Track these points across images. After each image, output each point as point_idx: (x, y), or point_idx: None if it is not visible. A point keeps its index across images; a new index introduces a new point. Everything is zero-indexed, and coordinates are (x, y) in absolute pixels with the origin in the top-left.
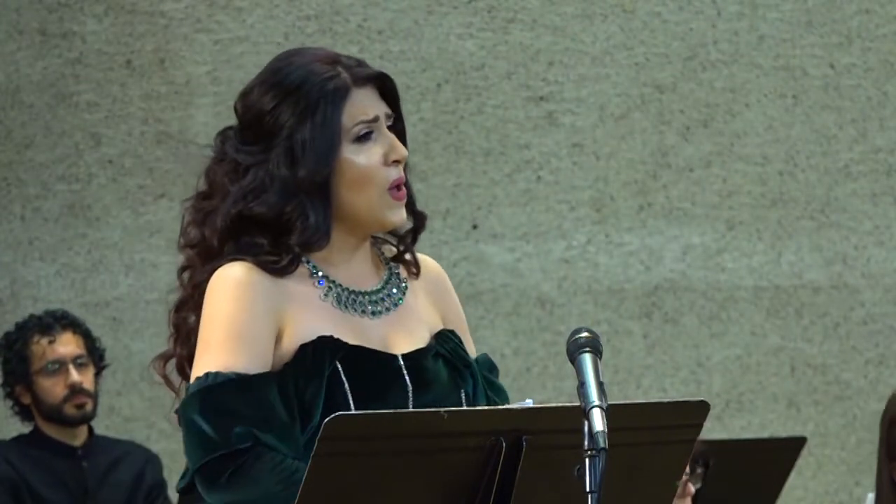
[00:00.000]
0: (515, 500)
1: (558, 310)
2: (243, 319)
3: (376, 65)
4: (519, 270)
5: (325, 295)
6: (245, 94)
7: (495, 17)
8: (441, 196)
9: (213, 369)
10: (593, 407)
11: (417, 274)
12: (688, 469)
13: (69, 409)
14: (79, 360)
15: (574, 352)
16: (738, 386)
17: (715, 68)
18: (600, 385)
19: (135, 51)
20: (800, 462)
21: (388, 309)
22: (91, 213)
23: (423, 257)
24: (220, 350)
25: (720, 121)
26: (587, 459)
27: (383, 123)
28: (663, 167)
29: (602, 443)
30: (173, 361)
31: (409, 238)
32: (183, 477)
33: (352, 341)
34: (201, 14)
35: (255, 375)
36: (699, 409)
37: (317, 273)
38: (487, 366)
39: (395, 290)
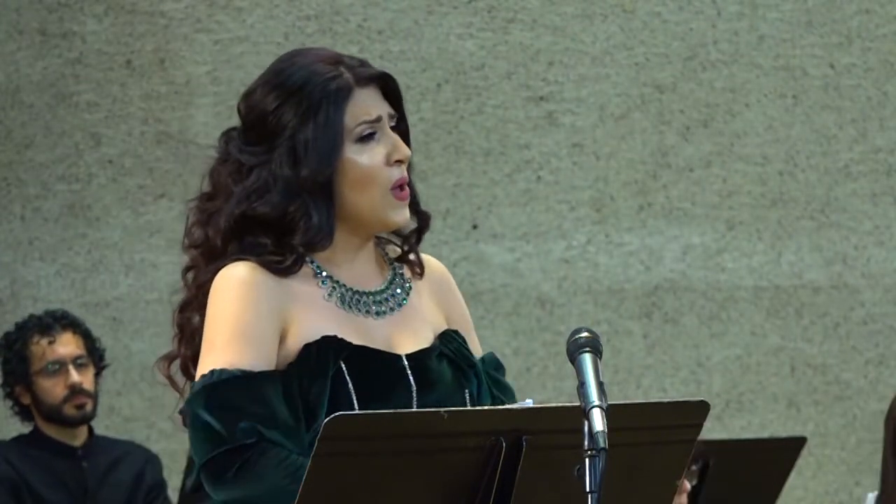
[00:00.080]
0: (515, 500)
1: (558, 310)
2: (248, 318)
3: (377, 65)
4: (519, 270)
5: (329, 295)
6: (248, 95)
7: (495, 17)
8: (441, 196)
9: (218, 367)
10: (593, 407)
11: (421, 274)
12: None
13: (69, 410)
14: (79, 361)
15: (574, 352)
16: (738, 386)
17: (715, 68)
18: (600, 385)
19: (135, 51)
20: (800, 462)
21: (392, 309)
22: (91, 213)
23: (427, 257)
24: (225, 348)
25: (720, 121)
26: (587, 459)
27: (386, 123)
28: (663, 167)
29: (602, 443)
30: (178, 362)
31: (413, 238)
32: (189, 475)
33: (356, 341)
34: (201, 14)
35: (259, 373)
36: (699, 409)
37: (321, 273)
38: (494, 364)
39: (399, 291)
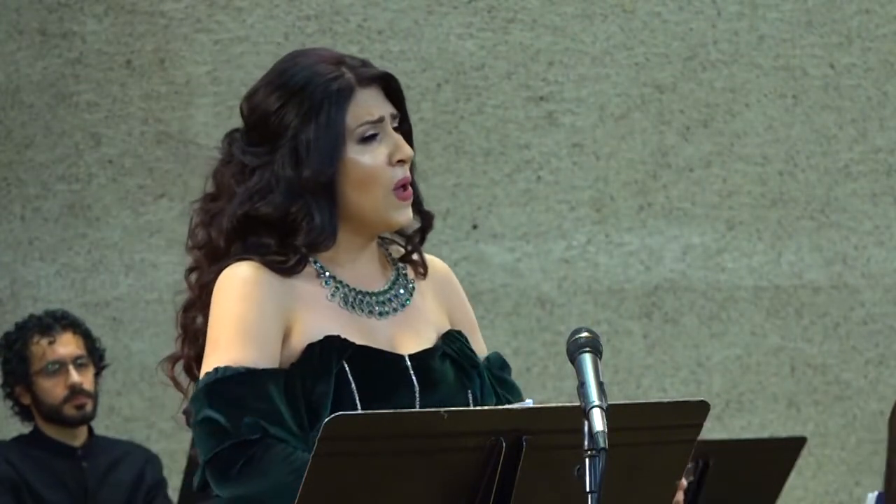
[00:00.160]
0: (515, 500)
1: (558, 310)
2: (251, 317)
3: (377, 65)
4: (519, 270)
5: (332, 295)
6: (250, 96)
7: (495, 17)
8: (441, 196)
9: (222, 364)
10: (593, 407)
11: (425, 274)
12: None
13: (69, 410)
14: (79, 361)
15: (574, 352)
16: (738, 386)
17: (715, 68)
18: (600, 385)
19: (135, 51)
20: (800, 462)
21: (395, 310)
22: (91, 213)
23: (430, 257)
24: (228, 347)
25: (720, 121)
26: (587, 459)
27: (388, 124)
28: (663, 167)
29: (602, 443)
30: (181, 364)
31: (416, 238)
32: (195, 473)
33: (359, 341)
34: (201, 14)
35: (263, 370)
36: (699, 409)
37: (324, 273)
38: (499, 364)
39: (402, 291)
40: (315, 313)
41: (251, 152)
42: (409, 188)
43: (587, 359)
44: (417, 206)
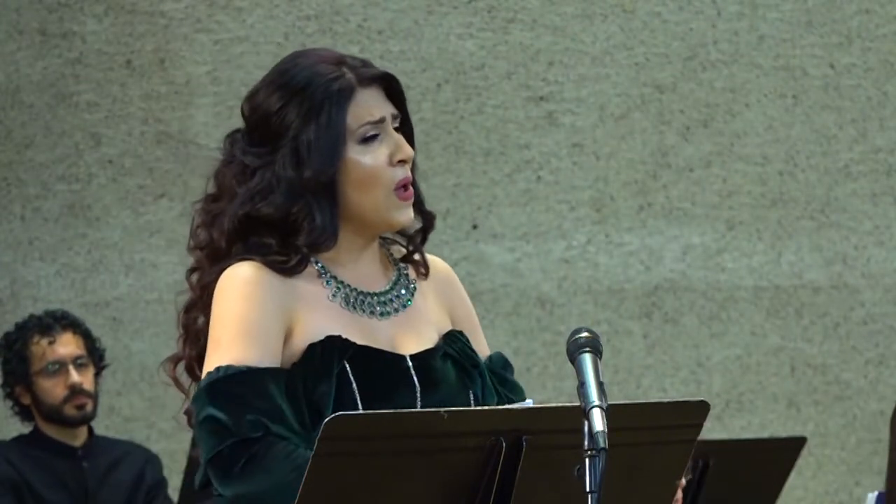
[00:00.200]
0: (515, 500)
1: (558, 310)
2: (253, 317)
3: (377, 65)
4: (519, 270)
5: (334, 295)
6: (251, 96)
7: (495, 17)
8: (441, 196)
9: (223, 364)
10: (593, 407)
11: (426, 274)
12: None
13: (69, 410)
14: (79, 361)
15: (574, 352)
16: (738, 386)
17: (715, 68)
18: (600, 385)
19: (135, 51)
20: (800, 462)
21: (396, 310)
22: (91, 213)
23: (431, 258)
24: (230, 346)
25: (720, 121)
26: (587, 459)
27: (389, 124)
28: (663, 167)
29: (602, 443)
30: (182, 364)
31: (418, 238)
32: (197, 472)
33: (360, 342)
34: (201, 14)
35: (264, 368)
36: (699, 409)
37: (325, 273)
38: (501, 363)
39: (403, 292)
40: (316, 313)
41: (252, 153)
42: (410, 188)
43: (587, 359)
44: (419, 206)
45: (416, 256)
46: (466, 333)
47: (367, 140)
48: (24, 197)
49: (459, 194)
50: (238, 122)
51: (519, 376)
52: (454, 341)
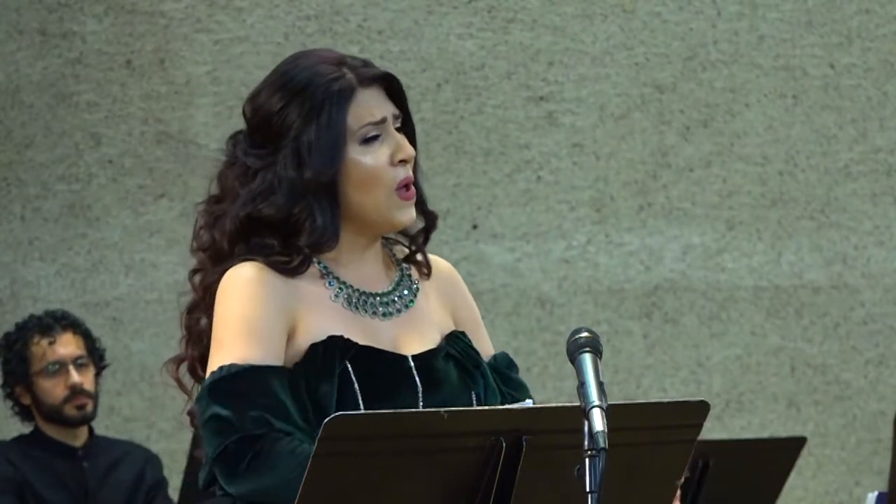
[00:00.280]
0: (515, 500)
1: (558, 310)
2: (256, 316)
3: (377, 65)
4: (519, 270)
5: (336, 296)
6: (253, 97)
7: (495, 17)
8: (441, 196)
9: (226, 363)
10: (593, 407)
11: (429, 274)
12: None
13: (69, 410)
14: (79, 361)
15: (574, 352)
16: (738, 386)
17: (715, 68)
18: (600, 385)
19: (135, 51)
20: (800, 462)
21: (398, 311)
22: (91, 213)
23: (434, 258)
24: (233, 346)
25: (720, 121)
26: (587, 459)
27: (391, 124)
28: (663, 167)
29: (602, 443)
30: (185, 365)
31: (420, 238)
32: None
33: (362, 342)
34: (201, 14)
35: (267, 366)
36: (699, 409)
37: (328, 274)
38: (506, 363)
39: (406, 292)
40: (319, 314)
41: (254, 154)
42: (412, 188)
43: (587, 359)
44: (421, 205)
45: (419, 257)
46: (471, 333)
47: (368, 141)
48: (24, 197)
49: (459, 194)
50: (238, 122)
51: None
52: (456, 342)
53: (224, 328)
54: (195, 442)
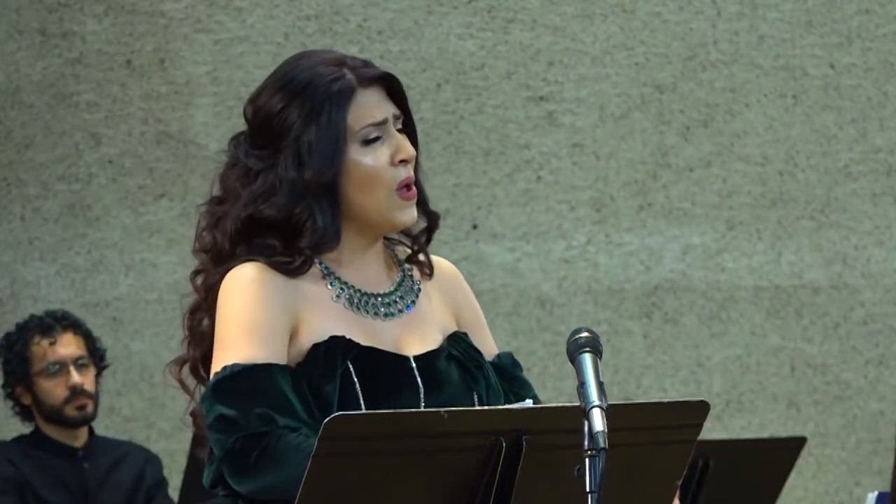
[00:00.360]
0: (515, 500)
1: (558, 310)
2: (258, 317)
3: (377, 65)
4: (519, 270)
5: (338, 296)
6: (254, 98)
7: (495, 17)
8: (441, 196)
9: (230, 363)
10: (593, 407)
11: (431, 275)
12: None
13: (70, 411)
14: (79, 361)
15: (574, 352)
16: (738, 386)
17: (715, 68)
18: (600, 385)
19: (135, 51)
20: (800, 462)
21: (400, 311)
22: (91, 213)
23: (437, 258)
24: (236, 346)
25: (720, 121)
26: (587, 459)
27: (391, 125)
28: (663, 167)
29: (602, 443)
30: (188, 367)
31: (422, 238)
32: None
33: (364, 342)
34: (201, 14)
35: (269, 364)
36: (699, 409)
37: (329, 274)
38: (510, 362)
39: (408, 293)
40: (320, 314)
41: (255, 155)
42: (413, 188)
43: (587, 359)
44: (423, 205)
45: (421, 257)
46: (474, 333)
47: (369, 142)
48: (24, 197)
49: (459, 194)
50: (238, 122)
51: None
52: (458, 342)
53: (226, 329)
54: (195, 442)
